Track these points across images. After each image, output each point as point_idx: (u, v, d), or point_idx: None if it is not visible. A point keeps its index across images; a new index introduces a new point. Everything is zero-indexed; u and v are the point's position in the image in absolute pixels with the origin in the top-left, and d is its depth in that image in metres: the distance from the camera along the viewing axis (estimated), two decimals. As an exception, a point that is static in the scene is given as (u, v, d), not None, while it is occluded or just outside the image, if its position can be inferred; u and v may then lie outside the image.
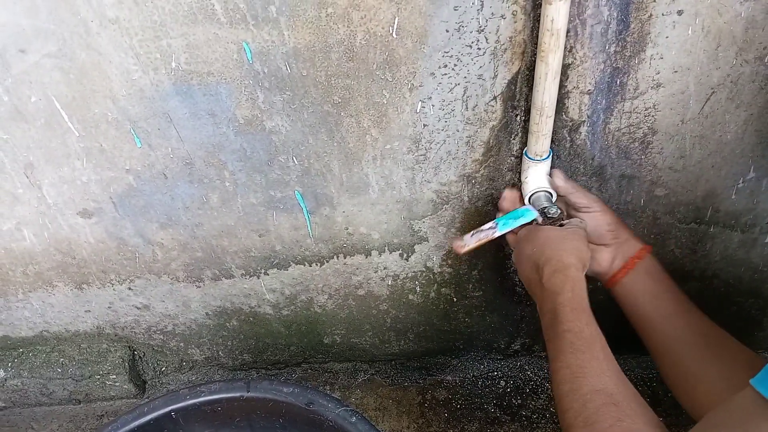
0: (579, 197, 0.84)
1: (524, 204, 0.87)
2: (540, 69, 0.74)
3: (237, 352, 1.23)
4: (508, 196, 0.89)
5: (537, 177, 0.85)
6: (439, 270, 1.07)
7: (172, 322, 1.16)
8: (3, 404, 1.27)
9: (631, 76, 0.79)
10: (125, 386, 1.24)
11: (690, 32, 0.75)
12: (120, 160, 0.88)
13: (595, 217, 0.84)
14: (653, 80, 0.79)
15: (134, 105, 0.81)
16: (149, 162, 0.88)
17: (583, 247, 0.78)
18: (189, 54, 0.76)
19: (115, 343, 1.22)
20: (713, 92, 0.81)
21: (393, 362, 1.27)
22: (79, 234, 0.99)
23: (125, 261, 1.03)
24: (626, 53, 0.77)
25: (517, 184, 0.91)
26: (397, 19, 0.73)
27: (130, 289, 1.09)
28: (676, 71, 0.79)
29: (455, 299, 1.13)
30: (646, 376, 1.20)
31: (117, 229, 0.98)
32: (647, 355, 0.83)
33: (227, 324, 1.16)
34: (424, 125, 0.85)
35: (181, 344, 1.21)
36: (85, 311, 1.15)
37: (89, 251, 1.02)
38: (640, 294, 0.81)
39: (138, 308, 1.13)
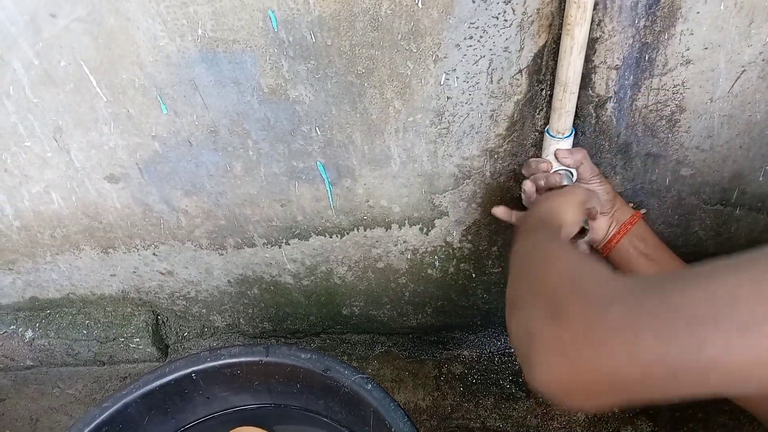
0: (585, 169, 0.83)
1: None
2: (565, 43, 0.73)
3: (257, 320, 1.25)
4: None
5: (559, 155, 0.85)
6: (459, 245, 1.07)
7: (194, 289, 1.19)
8: (31, 363, 1.31)
9: (660, 51, 0.77)
10: (148, 349, 1.27)
11: (722, 7, 0.73)
12: (146, 127, 0.89)
13: (596, 188, 0.84)
14: (683, 57, 0.78)
15: (161, 71, 0.82)
16: (175, 129, 0.89)
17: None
18: (215, 21, 0.76)
19: (140, 308, 1.24)
20: (744, 70, 0.79)
21: (410, 335, 1.28)
22: (106, 198, 1.01)
23: (150, 227, 1.05)
24: (656, 28, 0.75)
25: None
26: (423, -12, 0.73)
27: (154, 254, 1.11)
28: (706, 48, 0.77)
29: (474, 275, 1.13)
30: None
31: (143, 195, 0.99)
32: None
33: (248, 292, 1.18)
34: (448, 98, 0.84)
35: (203, 310, 1.23)
36: (111, 275, 1.17)
37: (115, 216, 1.04)
38: (634, 257, 0.84)
39: (162, 274, 1.16)
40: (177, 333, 1.30)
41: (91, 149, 0.93)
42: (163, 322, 1.28)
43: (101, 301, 1.24)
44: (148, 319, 1.25)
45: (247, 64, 0.81)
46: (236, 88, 0.84)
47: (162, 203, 1.00)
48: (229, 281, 1.16)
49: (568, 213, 0.75)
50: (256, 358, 0.86)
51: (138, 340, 1.25)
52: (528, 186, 0.86)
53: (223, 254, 1.10)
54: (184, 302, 1.22)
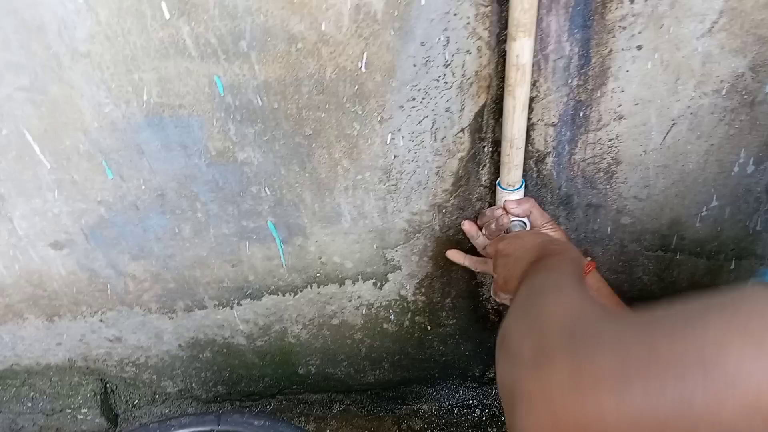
0: (536, 217, 0.85)
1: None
2: (508, 103, 0.76)
3: (211, 384, 1.21)
4: (468, 228, 0.90)
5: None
6: (413, 298, 1.08)
7: (144, 354, 1.15)
8: (-30, 440, 1.24)
9: (593, 108, 0.81)
10: (97, 420, 1.21)
11: (650, 66, 0.78)
12: (92, 192, 0.88)
13: (551, 233, 0.85)
14: (615, 112, 0.82)
15: (106, 137, 0.81)
16: (121, 194, 0.88)
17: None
18: (161, 87, 0.77)
19: (87, 376, 1.20)
20: (674, 124, 0.83)
21: (368, 392, 1.26)
22: (51, 266, 0.98)
23: (97, 293, 1.03)
24: (588, 87, 0.79)
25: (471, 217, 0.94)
26: (365, 54, 0.75)
27: (101, 321, 1.08)
28: (637, 104, 0.81)
29: (429, 327, 1.13)
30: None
31: (88, 261, 0.97)
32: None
33: (200, 355, 1.15)
34: (395, 156, 0.86)
35: (154, 376, 1.20)
36: (57, 344, 1.13)
37: (60, 283, 1.01)
38: None
39: (110, 340, 1.12)
40: (127, 401, 1.25)
41: (34, 216, 0.91)
42: (112, 390, 1.23)
43: (47, 372, 1.19)
44: (97, 388, 1.20)
45: (194, 128, 0.81)
46: (183, 152, 0.84)
47: (109, 268, 0.98)
48: (180, 345, 1.13)
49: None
50: (208, 428, 0.84)
51: (86, 410, 1.20)
52: (467, 226, 0.88)
53: (173, 318, 1.07)
54: (134, 369, 1.18)
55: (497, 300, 0.87)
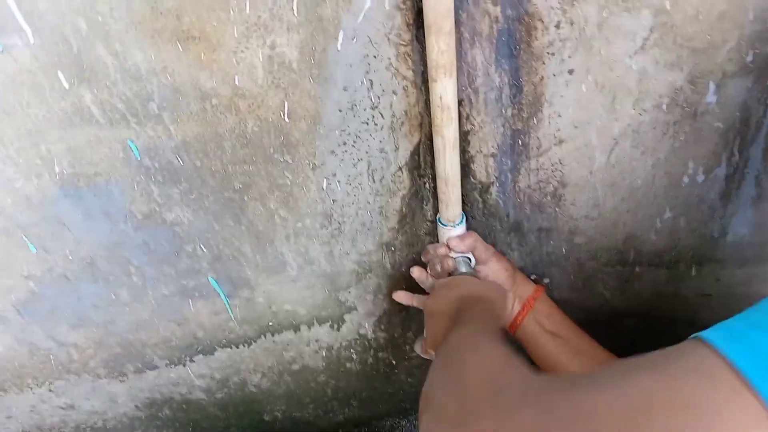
0: (480, 252, 0.82)
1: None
2: (438, 142, 0.72)
3: (175, 441, 1.17)
4: (417, 275, 0.87)
5: (454, 242, 0.84)
6: (373, 336, 1.04)
7: (101, 419, 1.10)
8: None
9: (532, 135, 0.78)
10: (59, 490, 1.16)
11: (584, 89, 0.75)
12: (16, 268, 0.83)
13: (494, 266, 0.83)
14: (555, 137, 0.79)
15: (22, 212, 0.76)
16: (48, 266, 0.83)
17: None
18: (71, 157, 0.72)
19: (44, 445, 1.15)
20: (616, 142, 0.81)
21: (340, 431, 1.23)
22: (-14, 343, 0.93)
23: (40, 364, 0.97)
24: (524, 115, 0.76)
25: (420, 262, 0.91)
26: (286, 103, 0.71)
27: (50, 390, 1.03)
28: (576, 126, 0.78)
29: (394, 362, 1.10)
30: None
31: (26, 335, 0.92)
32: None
33: (159, 414, 1.11)
34: (333, 201, 0.82)
35: (114, 439, 1.15)
36: (7, 417, 1.08)
37: (0, 359, 0.96)
38: (540, 335, 0.82)
39: (63, 408, 1.07)
40: (89, 466, 1.20)
41: (-42, 297, 0.85)
42: (72, 456, 1.18)
43: (0, 445, 1.14)
44: (55, 456, 1.15)
45: (115, 194, 0.77)
46: (107, 219, 0.79)
47: (48, 340, 0.93)
48: (136, 406, 1.08)
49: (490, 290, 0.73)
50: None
51: (46, 481, 1.14)
52: (416, 272, 0.86)
53: (124, 381, 1.02)
54: (92, 433, 1.13)
55: (426, 357, 0.85)
